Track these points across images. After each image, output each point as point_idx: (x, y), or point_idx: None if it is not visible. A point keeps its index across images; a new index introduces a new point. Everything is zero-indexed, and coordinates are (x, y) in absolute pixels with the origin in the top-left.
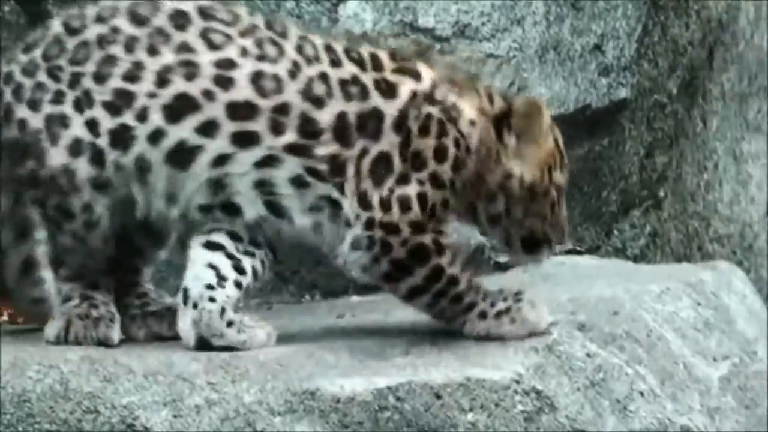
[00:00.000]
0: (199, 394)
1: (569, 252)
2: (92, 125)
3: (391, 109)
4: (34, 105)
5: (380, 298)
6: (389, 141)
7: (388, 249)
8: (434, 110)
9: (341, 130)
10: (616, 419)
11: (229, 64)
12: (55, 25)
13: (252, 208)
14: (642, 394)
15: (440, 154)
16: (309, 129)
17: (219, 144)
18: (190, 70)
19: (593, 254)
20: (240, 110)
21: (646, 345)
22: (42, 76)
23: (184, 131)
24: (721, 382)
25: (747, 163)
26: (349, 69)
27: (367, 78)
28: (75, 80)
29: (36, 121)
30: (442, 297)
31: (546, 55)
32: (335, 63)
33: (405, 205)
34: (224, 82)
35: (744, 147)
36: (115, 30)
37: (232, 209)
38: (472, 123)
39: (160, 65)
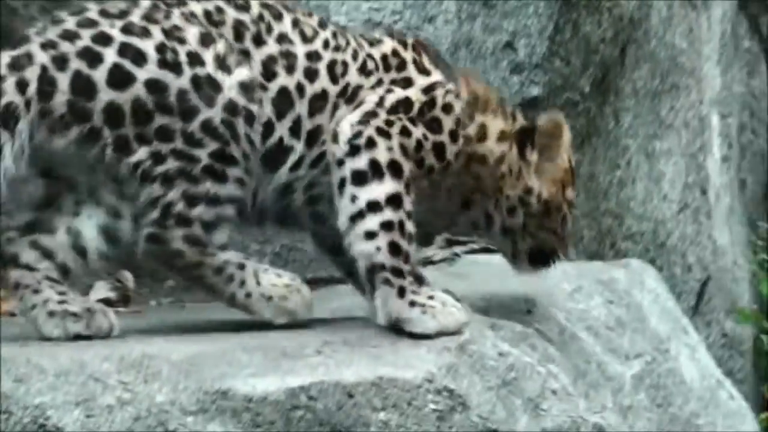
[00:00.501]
0: (111, 393)
1: (482, 251)
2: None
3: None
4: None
5: None
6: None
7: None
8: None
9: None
10: (528, 418)
11: (317, 56)
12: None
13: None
14: (554, 392)
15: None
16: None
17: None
18: (290, 62)
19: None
20: (316, 102)
21: (558, 343)
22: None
23: (283, 129)
24: (634, 380)
25: (659, 160)
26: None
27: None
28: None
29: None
30: (388, 231)
31: (458, 53)
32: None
33: (405, 132)
34: (312, 75)
35: (656, 144)
36: (220, 10)
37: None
38: (497, 138)
39: (265, 55)
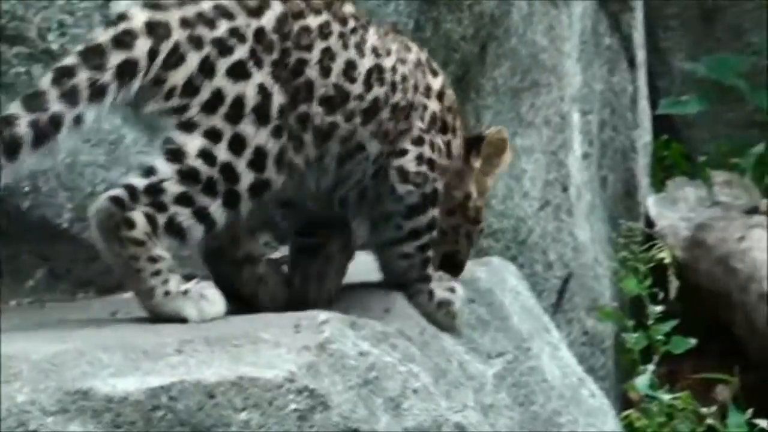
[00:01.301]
0: None
1: None
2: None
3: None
4: None
5: None
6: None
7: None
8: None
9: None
10: (389, 417)
11: (394, 69)
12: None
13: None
14: (415, 391)
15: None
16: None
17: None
18: (381, 75)
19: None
20: (399, 113)
21: (419, 343)
22: None
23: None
24: (495, 379)
25: (520, 158)
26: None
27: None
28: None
29: None
30: (422, 252)
31: None
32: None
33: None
34: (394, 86)
35: (517, 142)
36: (327, 24)
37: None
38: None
39: (365, 67)
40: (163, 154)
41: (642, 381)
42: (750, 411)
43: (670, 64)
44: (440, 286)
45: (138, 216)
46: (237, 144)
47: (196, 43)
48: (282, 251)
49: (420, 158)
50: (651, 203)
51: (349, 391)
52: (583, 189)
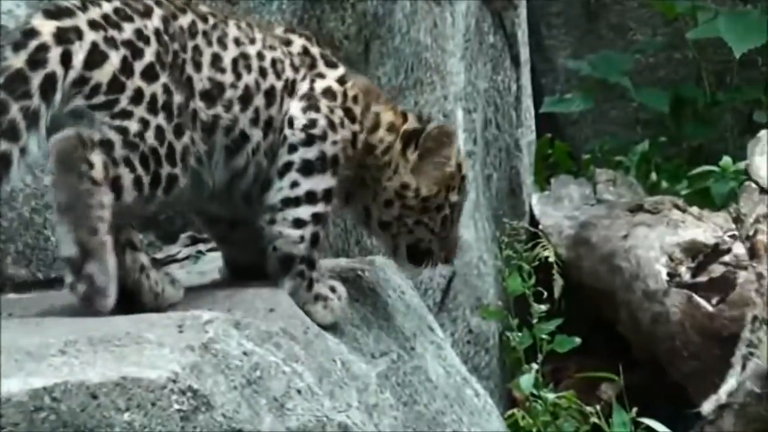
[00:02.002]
0: None
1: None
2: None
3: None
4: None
5: (37, 296)
6: None
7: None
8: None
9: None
10: (273, 417)
11: (261, 55)
12: None
13: None
14: (299, 391)
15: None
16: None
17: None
18: (247, 62)
19: None
20: (270, 97)
21: (303, 342)
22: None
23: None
24: (379, 378)
25: None
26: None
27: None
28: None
29: None
30: (315, 223)
31: None
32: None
33: (343, 125)
34: (264, 71)
35: None
36: (194, 23)
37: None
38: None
39: (230, 57)
40: (109, 129)
41: (526, 380)
42: (634, 410)
43: (554, 62)
44: (322, 281)
45: (98, 159)
46: (160, 134)
47: (113, 43)
48: (165, 251)
49: (310, 108)
50: (535, 202)
51: (233, 391)
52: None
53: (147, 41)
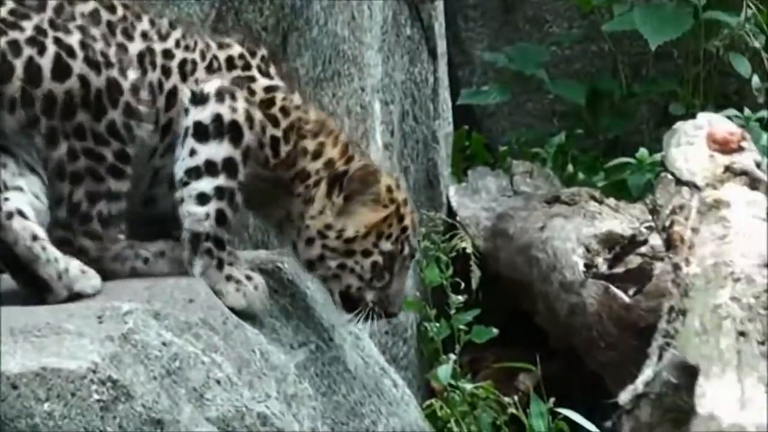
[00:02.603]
0: None
1: None
2: None
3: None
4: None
5: None
6: None
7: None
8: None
9: None
10: (192, 407)
11: (170, 54)
12: None
13: None
14: (218, 382)
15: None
16: None
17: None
18: (152, 59)
19: None
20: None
21: (222, 333)
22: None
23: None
24: (298, 369)
25: None
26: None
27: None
28: None
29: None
30: (219, 197)
31: None
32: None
33: (250, 103)
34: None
35: None
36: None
37: None
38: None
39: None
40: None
41: (444, 370)
42: (552, 400)
43: (470, 54)
44: (237, 266)
45: (82, 240)
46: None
47: (16, 48)
48: None
49: (222, 91)
50: (452, 193)
51: (153, 381)
52: None
53: (46, 34)
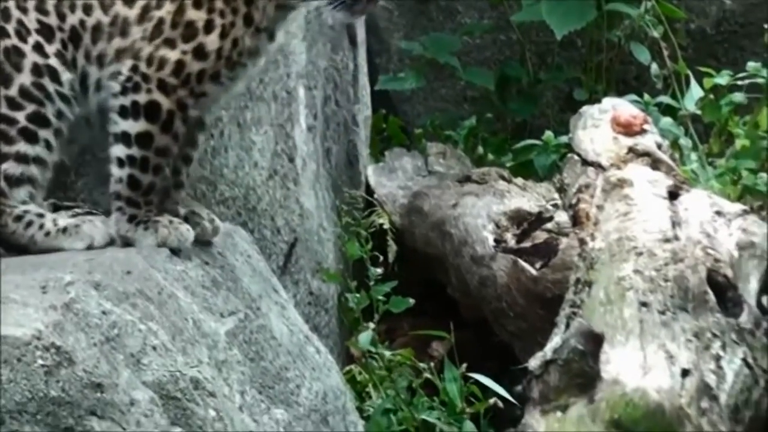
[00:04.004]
0: None
1: (85, 214)
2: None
3: None
4: None
5: None
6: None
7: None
8: None
9: None
10: (130, 372)
11: None
12: None
13: None
14: (154, 348)
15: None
16: None
17: None
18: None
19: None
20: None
21: (157, 302)
22: None
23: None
24: (228, 336)
25: (251, 130)
26: None
27: None
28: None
29: None
30: (132, 164)
31: None
32: None
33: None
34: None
35: (247, 115)
36: None
37: None
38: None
39: None
40: None
41: (363, 338)
42: (464, 366)
43: (388, 43)
44: (159, 216)
45: None
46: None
47: None
48: None
49: (134, 69)
50: (371, 173)
51: (93, 347)
52: (308, 159)
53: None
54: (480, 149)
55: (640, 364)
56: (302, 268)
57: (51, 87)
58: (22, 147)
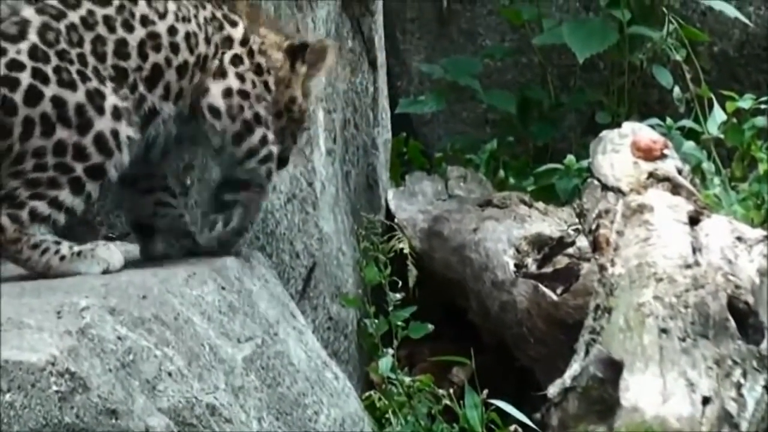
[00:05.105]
0: None
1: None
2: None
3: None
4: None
5: None
6: None
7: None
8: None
9: None
10: (145, 398)
11: (175, 30)
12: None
13: None
14: (170, 374)
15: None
16: None
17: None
18: (157, 42)
19: (123, 240)
20: (182, 70)
21: (173, 328)
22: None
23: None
24: (245, 362)
25: None
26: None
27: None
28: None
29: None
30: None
31: None
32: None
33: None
34: (175, 48)
35: None
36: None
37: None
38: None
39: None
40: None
41: (383, 364)
42: (485, 392)
43: (408, 65)
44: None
45: (4, 220)
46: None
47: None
48: None
49: (229, 95)
50: (391, 197)
51: (108, 373)
52: (327, 183)
53: (52, 44)
54: (501, 173)
55: (660, 392)
56: (321, 293)
57: (125, 133)
58: (62, 195)
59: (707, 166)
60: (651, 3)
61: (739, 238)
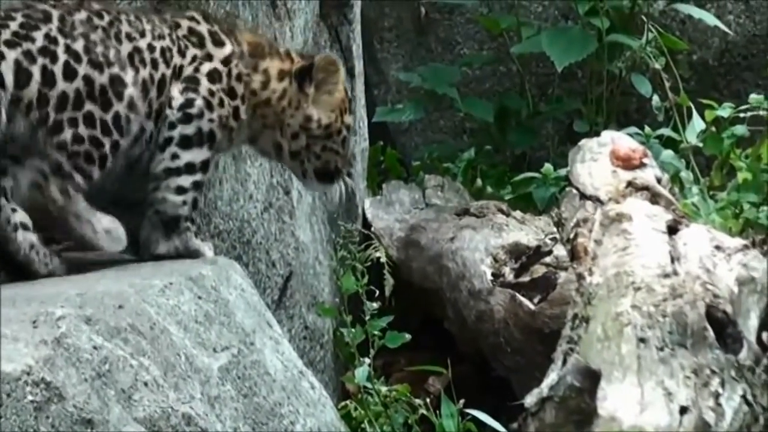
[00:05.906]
0: None
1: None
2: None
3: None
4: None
5: None
6: None
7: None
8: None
9: None
10: (121, 408)
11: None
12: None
13: None
14: (146, 384)
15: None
16: None
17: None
18: (141, 56)
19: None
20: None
21: (149, 337)
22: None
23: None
24: (221, 371)
25: (246, 162)
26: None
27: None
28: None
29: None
30: (197, 189)
31: None
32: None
33: (222, 104)
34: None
35: (243, 147)
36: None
37: None
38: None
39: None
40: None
41: (359, 373)
42: (461, 401)
43: (386, 74)
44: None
45: (53, 191)
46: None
47: (30, 57)
48: None
49: (192, 90)
50: (368, 206)
51: (84, 383)
52: (304, 192)
53: (55, 42)
54: (479, 182)
55: (638, 401)
56: (297, 302)
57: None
58: (94, 170)
59: (686, 175)
60: (630, 11)
61: (717, 247)
